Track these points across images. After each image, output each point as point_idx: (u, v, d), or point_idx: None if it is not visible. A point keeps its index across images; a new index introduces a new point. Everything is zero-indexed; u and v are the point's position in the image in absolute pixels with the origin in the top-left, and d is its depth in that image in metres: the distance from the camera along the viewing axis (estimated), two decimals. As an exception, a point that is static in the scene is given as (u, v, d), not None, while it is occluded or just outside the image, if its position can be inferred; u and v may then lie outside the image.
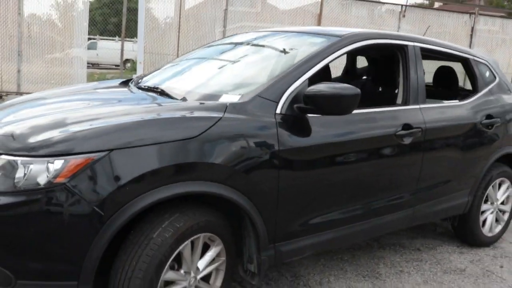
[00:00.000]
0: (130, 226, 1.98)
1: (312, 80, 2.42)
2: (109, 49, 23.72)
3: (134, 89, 2.81)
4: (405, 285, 2.93)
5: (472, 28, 13.14)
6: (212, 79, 2.76)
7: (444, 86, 3.72)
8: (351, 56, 4.20)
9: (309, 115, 2.35)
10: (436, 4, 26.56)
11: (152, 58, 11.81)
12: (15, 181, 1.81)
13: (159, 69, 3.28)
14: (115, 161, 1.85)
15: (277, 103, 2.29)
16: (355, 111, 2.53)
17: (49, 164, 1.81)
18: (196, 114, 2.12)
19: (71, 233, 1.82)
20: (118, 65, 17.16)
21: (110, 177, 1.84)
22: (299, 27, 3.14)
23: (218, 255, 2.26)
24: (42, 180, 1.80)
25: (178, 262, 2.10)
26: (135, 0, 11.50)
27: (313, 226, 2.47)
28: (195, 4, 12.20)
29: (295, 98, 2.33)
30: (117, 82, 3.20)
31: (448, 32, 13.01)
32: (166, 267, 1.98)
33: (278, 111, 2.28)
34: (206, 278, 2.27)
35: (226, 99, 2.31)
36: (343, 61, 4.31)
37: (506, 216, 3.72)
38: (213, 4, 11.78)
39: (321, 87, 2.27)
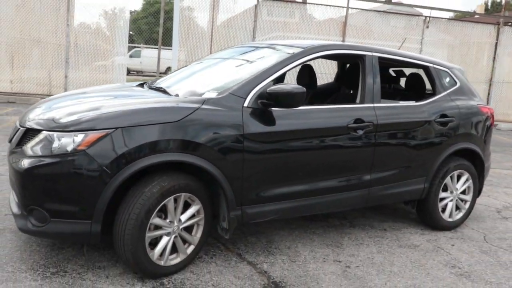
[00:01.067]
0: (130, 185, 2.75)
1: (280, 81, 3.13)
2: (152, 57, 25.06)
3: (145, 88, 3.62)
4: (361, 253, 3.55)
5: (497, 37, 13.33)
6: (202, 82, 3.51)
7: (413, 90, 4.32)
8: (341, 64, 4.87)
9: (273, 108, 3.07)
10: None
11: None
12: (52, 148, 2.63)
13: (168, 75, 4.08)
14: (118, 136, 2.63)
15: (245, 98, 3.02)
16: (314, 107, 3.30)
17: (74, 137, 2.62)
18: (180, 105, 2.88)
19: (87, 184, 2.61)
20: (162, 73, 18.33)
21: (114, 147, 2.62)
22: (279, 41, 3.85)
23: (198, 212, 2.99)
24: (69, 148, 2.61)
25: (165, 214, 2.85)
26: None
27: (274, 195, 3.16)
28: (229, 16, 13.09)
29: (261, 95, 3.05)
30: (136, 84, 4.01)
31: (472, 42, 13.29)
32: (154, 214, 2.73)
33: (245, 104, 3.01)
34: (189, 230, 3.01)
35: (207, 95, 3.06)
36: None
37: (467, 205, 4.25)
38: (245, 15, 12.63)
39: (279, 86, 2.99)
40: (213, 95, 3.05)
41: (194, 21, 12.87)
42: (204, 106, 2.89)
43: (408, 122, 3.73)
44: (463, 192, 4.23)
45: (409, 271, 3.30)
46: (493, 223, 4.52)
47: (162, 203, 2.76)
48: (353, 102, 3.63)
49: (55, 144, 2.62)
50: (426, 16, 13.42)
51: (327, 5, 12.68)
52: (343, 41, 12.77)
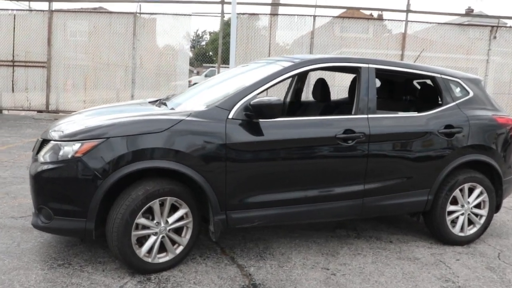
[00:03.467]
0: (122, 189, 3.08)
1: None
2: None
3: (149, 104, 3.97)
4: (354, 262, 3.58)
5: None
6: (204, 97, 3.77)
7: (426, 101, 4.27)
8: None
9: (261, 120, 3.27)
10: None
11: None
12: (58, 156, 3.04)
13: (181, 93, 4.44)
14: (109, 145, 2.98)
15: (229, 111, 3.25)
16: (304, 118, 3.46)
17: (73, 146, 3.01)
18: (166, 117, 3.18)
19: (82, 187, 2.98)
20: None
21: (105, 155, 2.97)
22: (282, 57, 4.04)
23: (186, 215, 3.24)
24: (69, 155, 3.00)
25: (152, 215, 3.14)
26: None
27: (259, 202, 3.32)
28: (289, 33, 13.38)
29: (246, 107, 3.26)
30: (148, 100, 4.39)
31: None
32: (139, 214, 3.02)
33: (230, 116, 3.24)
34: (180, 232, 3.28)
35: (195, 108, 3.34)
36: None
37: (482, 220, 4.07)
38: (303, 32, 12.86)
39: (260, 99, 3.20)
40: (201, 108, 3.32)
41: (253, 40, 13.33)
42: (188, 118, 3.17)
43: (405, 133, 3.71)
44: (478, 206, 4.06)
45: (396, 282, 3.28)
46: (517, 240, 4.28)
47: (147, 205, 3.05)
48: (350, 113, 3.70)
49: (60, 152, 3.03)
50: (493, 26, 12.76)
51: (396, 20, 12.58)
52: (402, 54, 12.54)
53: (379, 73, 3.85)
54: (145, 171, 3.09)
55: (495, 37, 12.60)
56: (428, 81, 4.34)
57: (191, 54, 12.14)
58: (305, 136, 3.38)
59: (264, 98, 3.21)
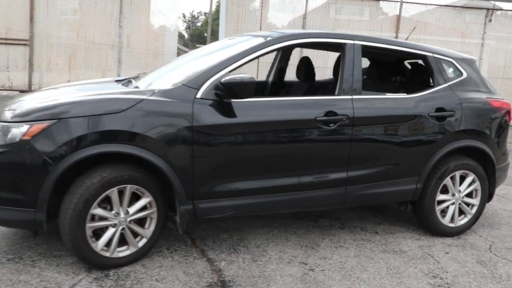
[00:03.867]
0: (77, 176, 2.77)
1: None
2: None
3: (115, 82, 3.62)
4: (335, 256, 3.30)
5: None
6: (171, 75, 3.43)
7: (417, 82, 3.96)
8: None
9: (233, 100, 2.95)
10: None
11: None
12: (6, 138, 2.71)
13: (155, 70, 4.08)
14: (60, 127, 2.65)
15: (198, 89, 2.93)
16: (281, 98, 3.15)
17: (21, 128, 2.68)
18: (125, 96, 2.85)
19: (31, 173, 2.66)
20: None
21: (56, 138, 2.64)
22: (264, 32, 3.68)
23: (149, 205, 2.94)
24: (17, 138, 2.67)
25: (110, 205, 2.84)
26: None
27: (231, 190, 3.02)
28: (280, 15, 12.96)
29: (217, 86, 2.94)
30: (115, 78, 4.04)
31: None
32: (94, 204, 2.72)
33: (198, 95, 2.91)
34: (142, 224, 2.98)
35: (160, 86, 3.01)
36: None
37: (473, 210, 3.81)
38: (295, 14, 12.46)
39: (231, 77, 2.87)
40: (167, 86, 2.99)
41: (244, 21, 12.86)
42: (151, 98, 2.84)
43: (394, 116, 3.41)
44: (469, 195, 3.79)
45: (379, 278, 3.01)
46: (510, 231, 4.02)
47: (104, 194, 2.75)
48: (333, 94, 3.38)
49: (9, 135, 2.70)
50: (488, 9, 12.38)
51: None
52: (396, 37, 12.17)
53: (367, 51, 3.52)
54: (102, 157, 2.77)
55: (490, 20, 12.23)
56: (420, 62, 4.03)
57: (186, 36, 11.76)
58: (281, 118, 3.07)
59: (237, 76, 2.88)
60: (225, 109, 2.94)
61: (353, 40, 3.40)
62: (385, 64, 4.39)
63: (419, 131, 3.49)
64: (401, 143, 3.44)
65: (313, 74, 4.26)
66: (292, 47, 3.30)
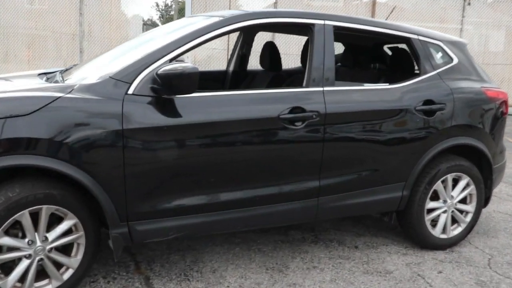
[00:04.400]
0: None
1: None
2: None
3: (37, 76, 2.94)
4: (306, 281, 2.74)
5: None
6: (108, 65, 2.78)
7: (399, 70, 3.41)
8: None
9: (176, 96, 2.34)
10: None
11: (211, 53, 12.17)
12: None
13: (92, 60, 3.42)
14: None
15: (130, 84, 2.31)
16: (236, 92, 2.57)
17: None
18: (35, 94, 2.22)
19: None
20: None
21: None
22: (219, 12, 3.06)
23: (75, 228, 2.33)
24: None
25: (22, 232, 2.22)
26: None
27: (175, 208, 2.43)
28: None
29: (154, 79, 2.32)
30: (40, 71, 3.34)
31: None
32: (-1, 233, 2.10)
33: (130, 91, 2.30)
34: (68, 251, 2.37)
35: (86, 81, 2.38)
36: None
37: (468, 218, 3.29)
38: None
39: (170, 67, 2.26)
40: (92, 80, 2.37)
41: (212, 7, 12.14)
42: (69, 95, 2.21)
43: (374, 111, 2.85)
44: (463, 201, 3.27)
45: (360, 311, 2.47)
46: (508, 239, 3.52)
47: (11, 218, 2.14)
48: (300, 85, 2.80)
49: None
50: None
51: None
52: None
53: (340, 33, 2.93)
54: (6, 172, 2.16)
55: (469, 4, 11.79)
56: (403, 46, 3.47)
57: (160, 25, 11.03)
58: (236, 117, 2.47)
59: (177, 65, 2.27)
60: (165, 107, 2.34)
61: (323, 19, 2.80)
62: (362, 49, 3.82)
63: (404, 128, 2.94)
64: (383, 144, 2.88)
65: (279, 62, 3.67)
66: (251, 29, 2.69)
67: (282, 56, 3.70)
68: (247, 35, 4.00)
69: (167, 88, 2.27)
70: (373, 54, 3.89)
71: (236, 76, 4.08)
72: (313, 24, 2.77)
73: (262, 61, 3.72)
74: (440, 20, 12.40)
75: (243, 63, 4.10)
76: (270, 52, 3.62)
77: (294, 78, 3.58)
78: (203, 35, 2.50)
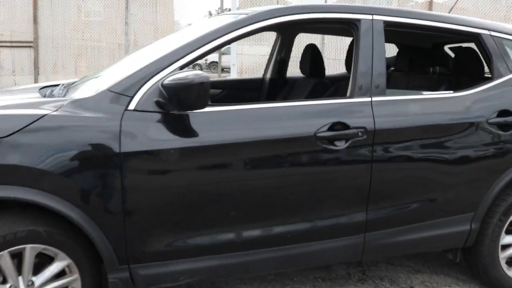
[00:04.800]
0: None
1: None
2: (242, 54, 24.76)
3: (39, 90, 2.61)
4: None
5: None
6: (111, 75, 2.42)
7: (465, 75, 2.83)
8: None
9: (192, 111, 1.94)
10: None
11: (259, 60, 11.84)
12: None
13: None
14: None
15: (131, 97, 1.92)
16: (263, 105, 2.13)
17: None
18: (17, 111, 1.88)
19: None
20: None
21: None
22: (246, 10, 2.62)
23: (69, 270, 1.97)
24: None
25: (4, 276, 1.88)
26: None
27: (187, 248, 2.00)
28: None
29: (161, 92, 1.92)
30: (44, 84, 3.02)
31: None
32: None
33: (131, 107, 1.91)
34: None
35: (82, 94, 2.02)
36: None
37: (556, 255, 2.65)
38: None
39: (176, 76, 1.86)
40: (89, 94, 2.00)
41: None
42: (56, 113, 1.85)
43: (436, 126, 2.30)
44: (547, 235, 2.64)
45: None
46: None
47: (-13, 261, 1.80)
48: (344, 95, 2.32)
49: None
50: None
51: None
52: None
53: (391, 31, 2.41)
54: None
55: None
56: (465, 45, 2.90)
57: None
58: (263, 136, 2.01)
59: (186, 74, 1.85)
60: (173, 125, 1.93)
61: (371, 14, 2.29)
62: (419, 50, 3.26)
63: (474, 146, 2.37)
64: (447, 166, 2.33)
65: (322, 67, 3.19)
66: (285, 29, 2.23)
67: (331, 61, 3.23)
68: (285, 37, 3.54)
69: (175, 102, 1.86)
70: (432, 55, 3.32)
71: (274, 84, 3.63)
72: (358, 20, 2.27)
73: (302, 67, 3.27)
74: (504, 18, 11.39)
75: (281, 70, 3.64)
76: (312, 56, 3.15)
77: (339, 86, 3.09)
78: (221, 36, 2.07)
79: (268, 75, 3.62)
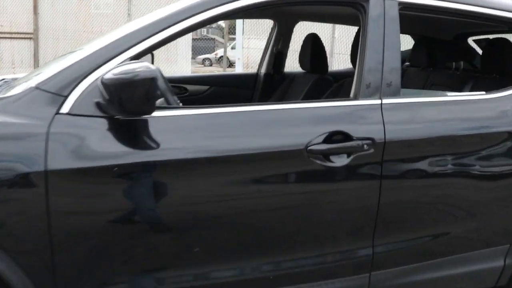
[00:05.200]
0: None
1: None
2: (252, 48, 24.37)
3: None
4: None
5: None
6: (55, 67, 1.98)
7: (496, 71, 2.34)
8: None
9: (148, 116, 1.48)
10: None
11: (257, 54, 11.50)
12: None
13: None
14: None
15: (66, 97, 1.46)
16: (231, 109, 1.64)
17: None
18: None
19: None
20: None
21: None
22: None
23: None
24: None
25: None
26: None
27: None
28: None
29: (101, 90, 1.46)
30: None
31: None
32: None
33: (64, 109, 1.45)
34: None
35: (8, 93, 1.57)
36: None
37: None
38: None
39: (119, 69, 1.39)
40: (14, 92, 1.55)
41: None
42: None
43: (465, 136, 1.82)
44: None
45: None
46: None
47: None
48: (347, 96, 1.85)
49: None
50: None
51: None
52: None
53: (409, 17, 1.92)
54: None
55: None
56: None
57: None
58: (240, 150, 1.55)
59: (131, 67, 1.39)
60: (120, 134, 1.47)
61: (383, -7, 1.81)
62: (440, 42, 2.77)
63: (509, 162, 1.88)
64: (478, 188, 1.85)
65: (324, 61, 2.73)
66: (254, 8, 1.70)
67: (339, 56, 2.77)
68: (282, 25, 3.07)
69: (116, 104, 1.40)
70: (454, 48, 2.82)
71: (270, 81, 3.16)
72: (366, 1, 1.78)
73: (301, 61, 2.81)
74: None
75: (278, 64, 3.17)
76: (312, 48, 2.68)
77: (343, 83, 2.61)
78: (185, 18, 1.59)
79: (263, 70, 3.15)
